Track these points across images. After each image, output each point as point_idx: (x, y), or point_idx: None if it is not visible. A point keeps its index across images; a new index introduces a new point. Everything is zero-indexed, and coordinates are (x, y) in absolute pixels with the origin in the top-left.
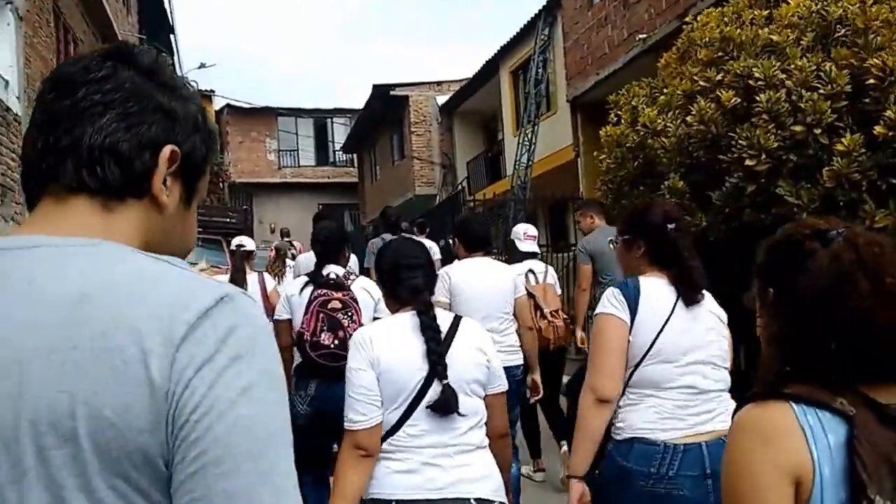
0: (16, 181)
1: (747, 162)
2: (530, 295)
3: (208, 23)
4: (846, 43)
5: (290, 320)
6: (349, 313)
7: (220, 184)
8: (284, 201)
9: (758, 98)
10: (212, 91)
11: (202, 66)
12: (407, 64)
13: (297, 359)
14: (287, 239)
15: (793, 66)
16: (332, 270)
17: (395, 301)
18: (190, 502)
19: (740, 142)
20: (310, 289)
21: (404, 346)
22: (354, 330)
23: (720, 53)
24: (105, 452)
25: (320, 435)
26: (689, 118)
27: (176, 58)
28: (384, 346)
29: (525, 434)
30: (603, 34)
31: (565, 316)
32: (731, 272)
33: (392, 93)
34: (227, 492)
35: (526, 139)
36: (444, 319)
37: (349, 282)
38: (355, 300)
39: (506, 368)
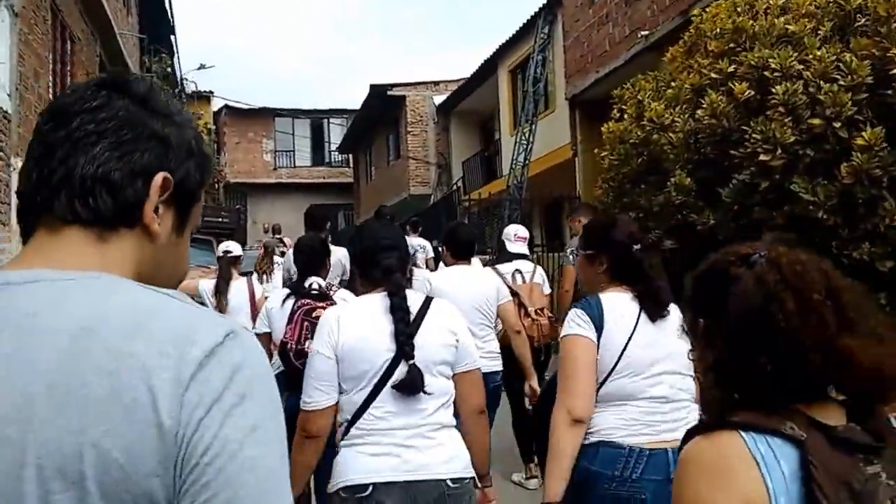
0: (1, 179)
1: (761, 157)
2: (514, 293)
3: (207, 22)
4: (867, 32)
5: (269, 334)
6: None
7: (216, 184)
8: (279, 202)
9: (773, 90)
10: (210, 92)
11: (202, 66)
12: (405, 63)
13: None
14: (277, 236)
15: (811, 57)
16: (315, 281)
17: (368, 282)
18: None
19: (754, 136)
20: (292, 300)
21: (373, 327)
22: None
23: (732, 44)
24: (111, 496)
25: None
26: (699, 112)
27: (176, 58)
28: (352, 327)
29: (517, 436)
30: (604, 31)
31: (550, 314)
32: None
33: (389, 93)
34: None
35: (524, 138)
36: (414, 301)
37: (332, 292)
38: None
39: (485, 374)
